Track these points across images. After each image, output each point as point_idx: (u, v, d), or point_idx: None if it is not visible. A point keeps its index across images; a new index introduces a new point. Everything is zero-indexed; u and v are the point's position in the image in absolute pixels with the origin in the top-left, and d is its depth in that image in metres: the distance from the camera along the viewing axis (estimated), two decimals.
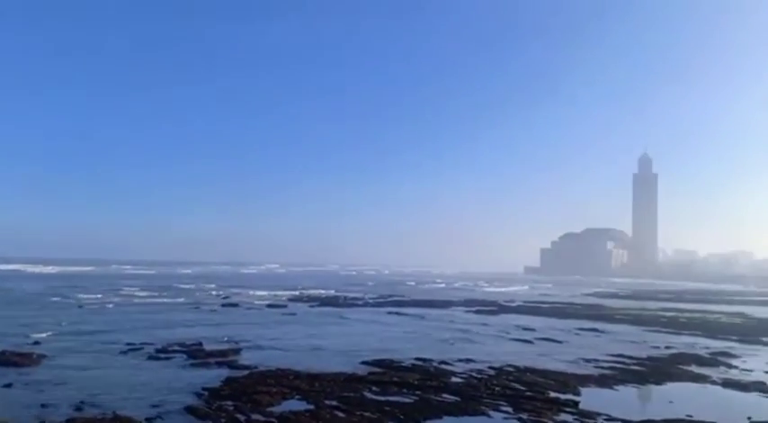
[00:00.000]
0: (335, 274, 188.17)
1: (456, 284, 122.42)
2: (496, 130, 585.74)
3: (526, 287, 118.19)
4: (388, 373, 22.53)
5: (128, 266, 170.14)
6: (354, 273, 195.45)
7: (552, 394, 19.51)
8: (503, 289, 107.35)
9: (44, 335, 30.11)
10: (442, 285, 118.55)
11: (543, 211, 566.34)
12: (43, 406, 16.53)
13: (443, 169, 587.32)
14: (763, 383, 22.17)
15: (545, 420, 16.27)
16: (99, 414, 15.77)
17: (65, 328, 33.41)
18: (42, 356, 24.14)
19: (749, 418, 16.35)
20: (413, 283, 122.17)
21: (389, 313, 50.22)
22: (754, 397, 20.36)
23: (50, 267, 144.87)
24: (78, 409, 16.41)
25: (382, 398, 18.43)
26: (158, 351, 26.54)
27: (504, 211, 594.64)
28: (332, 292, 77.70)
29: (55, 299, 55.39)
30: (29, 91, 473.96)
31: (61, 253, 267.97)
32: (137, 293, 66.07)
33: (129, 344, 28.05)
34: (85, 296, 58.47)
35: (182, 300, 58.74)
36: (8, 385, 19.04)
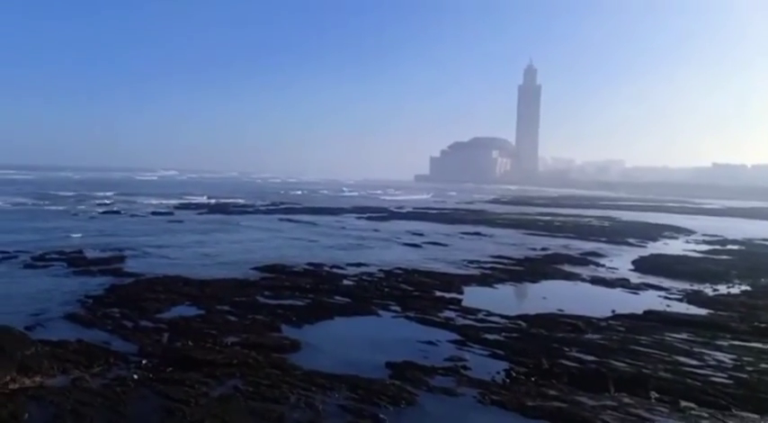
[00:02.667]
0: (238, 181, 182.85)
1: (363, 193, 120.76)
2: (392, 45, 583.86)
3: (429, 195, 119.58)
4: (280, 277, 22.72)
5: (11, 171, 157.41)
6: (259, 181, 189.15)
7: (438, 293, 20.56)
8: (409, 197, 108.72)
9: None
10: (355, 194, 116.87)
11: (435, 122, 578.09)
12: None
13: (347, 83, 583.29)
14: (626, 280, 24.37)
15: (431, 317, 17.12)
16: None
17: None
18: None
19: (613, 311, 17.96)
20: (326, 192, 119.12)
21: (281, 220, 50.02)
22: (618, 292, 22.40)
23: None
24: None
25: (275, 302, 18.62)
26: (35, 259, 25.15)
27: (399, 122, 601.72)
28: (240, 201, 74.64)
29: None
30: None
31: None
32: (10, 200, 61.45)
33: (1, 252, 26.37)
34: None
35: (61, 207, 55.46)
36: None
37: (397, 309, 18.23)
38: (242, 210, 61.10)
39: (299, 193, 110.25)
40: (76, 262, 24.76)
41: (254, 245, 33.13)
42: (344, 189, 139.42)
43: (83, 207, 56.28)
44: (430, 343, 14.44)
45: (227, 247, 31.56)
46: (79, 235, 34.04)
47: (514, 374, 12.01)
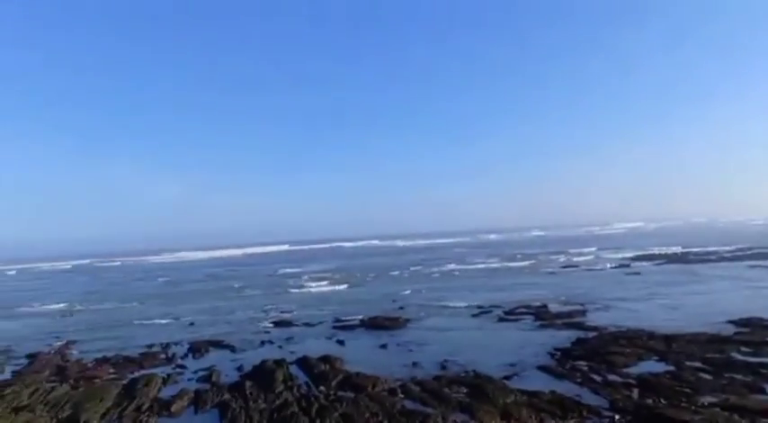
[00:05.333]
0: (710, 226, 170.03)
1: None
2: None
3: None
4: (758, 332, 20.04)
5: (491, 234, 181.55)
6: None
7: None
8: None
9: (404, 302, 33.68)
10: None
11: None
12: (414, 364, 18.60)
13: None
14: None
15: None
16: (461, 371, 17.13)
17: (421, 294, 36.91)
18: (407, 320, 27.11)
19: None
20: None
21: (751, 267, 44.40)
22: None
23: (415, 241, 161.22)
24: (443, 367, 18.05)
25: (754, 359, 16.48)
26: (506, 313, 27.72)
27: None
28: (703, 249, 68.79)
29: (415, 268, 61.47)
30: None
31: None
32: (479, 259, 69.29)
33: (479, 307, 29.84)
34: (430, 268, 63.37)
35: (522, 264, 60.11)
36: (383, 346, 21.89)
37: None
38: (704, 258, 56.32)
39: None
40: (542, 316, 26.35)
41: (720, 296, 30.08)
42: None
43: (543, 264, 59.65)
44: None
45: (690, 299, 29.40)
46: (541, 290, 36.19)
47: None
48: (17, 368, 21.54)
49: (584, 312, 26.90)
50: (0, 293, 60.34)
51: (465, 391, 15.07)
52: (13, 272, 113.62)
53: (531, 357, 18.72)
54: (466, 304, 31.38)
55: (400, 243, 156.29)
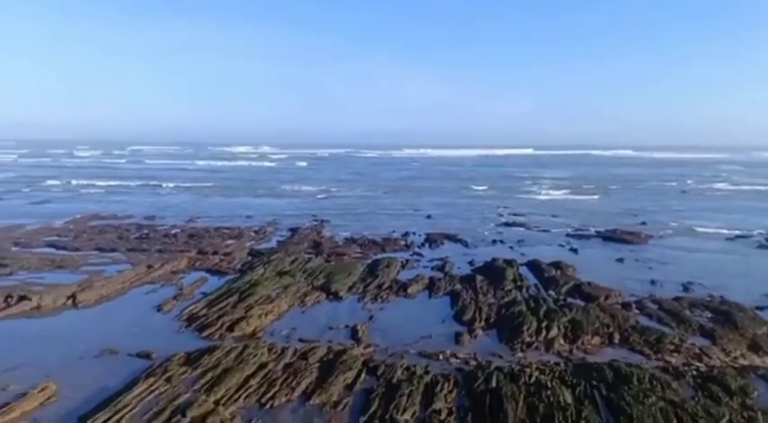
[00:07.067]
0: None
1: None
2: None
3: None
4: None
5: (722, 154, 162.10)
6: None
7: None
8: None
9: (648, 218, 31.57)
10: None
11: None
12: (652, 282, 17.58)
13: None
14: None
15: None
16: (706, 296, 15.84)
17: (670, 211, 34.39)
18: (649, 236, 25.52)
19: None
20: None
21: None
22: None
23: (674, 154, 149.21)
24: (685, 288, 16.84)
25: None
26: None
27: None
28: None
29: (670, 183, 57.26)
30: None
31: None
32: (749, 179, 62.14)
33: (737, 231, 27.04)
34: (687, 184, 58.15)
35: None
36: (620, 260, 20.95)
37: None
38: None
39: None
40: None
41: None
42: None
43: None
44: None
45: None
46: None
47: None
48: (281, 239, 24.60)
49: None
50: (269, 174, 68.45)
51: (709, 315, 14.00)
52: (284, 155, 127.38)
53: None
54: (721, 226, 28.50)
55: (657, 155, 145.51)
